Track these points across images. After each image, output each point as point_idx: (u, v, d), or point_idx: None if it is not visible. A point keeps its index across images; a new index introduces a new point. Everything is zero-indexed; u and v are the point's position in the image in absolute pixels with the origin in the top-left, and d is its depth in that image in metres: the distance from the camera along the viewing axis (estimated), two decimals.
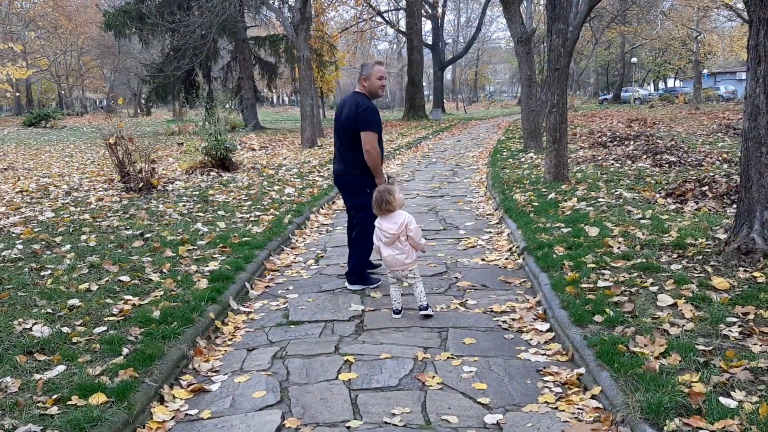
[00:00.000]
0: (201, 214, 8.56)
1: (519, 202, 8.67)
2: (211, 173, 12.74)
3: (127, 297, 5.13)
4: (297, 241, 7.70)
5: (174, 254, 6.41)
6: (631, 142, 15.28)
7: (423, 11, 39.06)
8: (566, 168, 10.35)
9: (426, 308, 4.89)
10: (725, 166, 11.25)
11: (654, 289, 4.75)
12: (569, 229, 6.76)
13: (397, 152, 18.22)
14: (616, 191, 8.91)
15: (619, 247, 5.87)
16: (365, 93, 5.55)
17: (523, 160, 14.16)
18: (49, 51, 53.71)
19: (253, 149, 19.30)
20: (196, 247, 6.73)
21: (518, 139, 20.00)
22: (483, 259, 6.54)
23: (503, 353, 4.21)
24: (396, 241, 4.82)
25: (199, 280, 5.53)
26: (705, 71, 48.32)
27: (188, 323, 4.55)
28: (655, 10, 38.77)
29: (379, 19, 37.64)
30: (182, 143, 17.36)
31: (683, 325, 4.08)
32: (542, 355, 4.16)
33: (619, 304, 4.49)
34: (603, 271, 5.27)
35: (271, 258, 6.71)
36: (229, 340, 4.68)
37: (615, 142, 15.81)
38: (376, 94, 5.56)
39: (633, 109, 40.33)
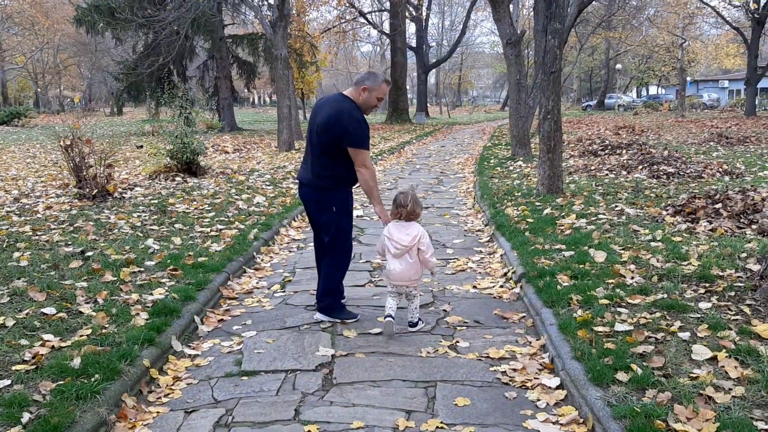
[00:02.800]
0: (155, 227, 7.60)
1: (511, 217, 7.86)
2: (176, 179, 11.75)
3: (46, 336, 4.20)
4: (262, 260, 6.79)
5: (115, 278, 5.48)
6: (624, 151, 14.56)
7: (407, 13, 38.21)
8: (561, 179, 9.54)
9: (416, 324, 4.68)
10: (727, 178, 10.57)
11: (685, 335, 3.94)
12: (572, 252, 5.94)
13: (380, 157, 17.35)
14: (616, 206, 8.14)
15: (633, 278, 5.06)
16: (356, 102, 4.62)
17: (511, 168, 13.37)
18: (25, 48, 52.23)
19: (226, 152, 18.32)
20: (142, 269, 5.80)
21: (504, 145, 19.24)
22: (475, 287, 5.70)
23: (505, 420, 3.37)
24: (406, 254, 4.51)
25: (137, 314, 4.62)
26: (688, 79, 48.14)
27: (114, 376, 3.65)
28: (641, 15, 38.32)
29: (362, 19, 36.77)
30: (141, 146, 16.31)
31: (730, 390, 3.27)
32: (554, 423, 3.32)
33: (646, 357, 3.67)
34: (619, 309, 4.45)
35: (229, 283, 5.80)
36: (165, 395, 3.77)
37: (606, 151, 15.09)
38: (367, 110, 4.69)
39: (618, 116, 39.90)
